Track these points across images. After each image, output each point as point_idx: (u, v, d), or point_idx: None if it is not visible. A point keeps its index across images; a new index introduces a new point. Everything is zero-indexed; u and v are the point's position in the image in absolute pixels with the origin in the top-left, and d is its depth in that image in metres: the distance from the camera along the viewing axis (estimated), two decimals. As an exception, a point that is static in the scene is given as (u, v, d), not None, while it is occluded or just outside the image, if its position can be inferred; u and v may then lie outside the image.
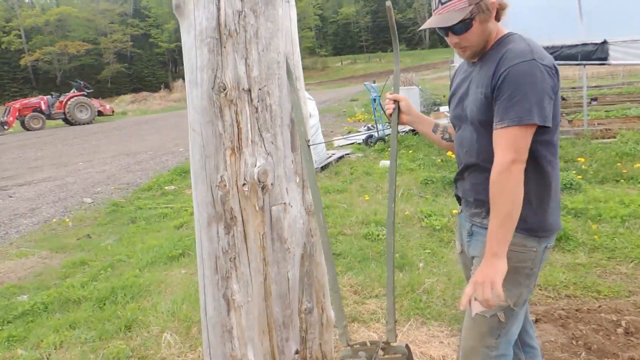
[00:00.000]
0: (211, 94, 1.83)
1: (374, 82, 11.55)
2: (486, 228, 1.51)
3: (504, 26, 1.62)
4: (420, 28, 1.69)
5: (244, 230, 1.92)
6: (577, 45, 7.81)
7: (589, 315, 2.86)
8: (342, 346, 1.66)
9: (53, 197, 7.93)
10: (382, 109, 2.01)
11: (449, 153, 7.26)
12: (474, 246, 1.70)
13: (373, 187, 6.44)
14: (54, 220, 6.45)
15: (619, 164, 6.05)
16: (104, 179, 9.12)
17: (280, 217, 1.97)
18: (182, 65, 1.96)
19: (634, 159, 6.20)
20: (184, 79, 1.99)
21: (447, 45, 1.65)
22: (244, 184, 1.87)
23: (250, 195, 1.89)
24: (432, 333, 2.78)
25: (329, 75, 57.32)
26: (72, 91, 25.34)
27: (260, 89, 1.87)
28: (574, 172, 5.75)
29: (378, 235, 4.41)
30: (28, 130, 23.21)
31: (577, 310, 2.94)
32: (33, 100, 24.84)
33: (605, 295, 3.10)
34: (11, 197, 8.18)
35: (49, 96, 25.03)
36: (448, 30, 1.56)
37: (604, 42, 7.61)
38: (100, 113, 25.96)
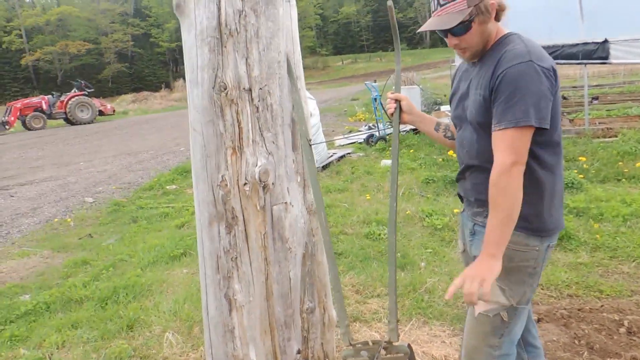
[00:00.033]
0: (212, 94, 1.83)
1: (375, 81, 11.55)
2: None
3: (505, 26, 1.61)
4: (419, 30, 1.69)
5: (245, 230, 1.92)
6: (578, 45, 7.80)
7: (591, 314, 2.86)
8: (344, 345, 1.66)
9: (54, 196, 7.94)
10: (383, 108, 2.01)
11: (450, 152, 7.26)
12: (477, 245, 1.70)
13: (374, 186, 6.43)
14: (56, 219, 6.46)
15: (620, 163, 6.04)
16: (105, 179, 9.12)
17: (282, 217, 1.97)
18: (183, 64, 1.95)
19: (636, 158, 6.20)
20: (184, 78, 1.99)
21: (447, 45, 1.65)
22: (245, 184, 1.87)
23: (251, 194, 1.89)
24: (434, 333, 2.78)
25: (330, 75, 57.31)
26: (73, 91, 25.36)
27: (261, 89, 1.87)
28: (576, 171, 5.74)
29: (379, 235, 4.41)
30: (29, 129, 23.24)
31: (579, 309, 2.93)
32: (34, 100, 24.88)
33: (608, 295, 3.10)
34: (13, 196, 8.19)
35: (50, 96, 25.06)
36: (447, 32, 1.55)
37: (605, 41, 7.60)
38: (101, 113, 25.98)
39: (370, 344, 1.60)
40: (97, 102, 26.18)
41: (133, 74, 59.76)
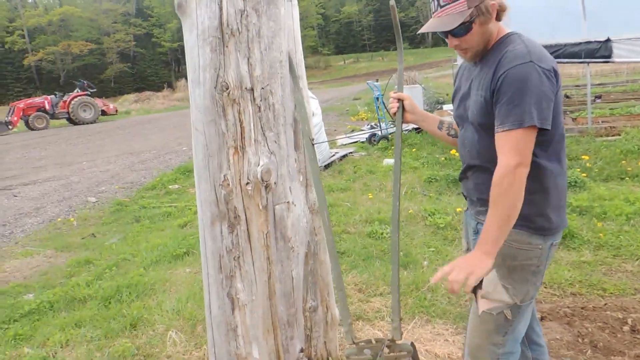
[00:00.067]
0: (214, 93, 1.84)
1: (377, 80, 11.53)
2: None
3: (507, 25, 1.61)
4: (419, 31, 1.69)
5: (248, 229, 1.92)
6: (580, 44, 7.78)
7: (595, 313, 2.85)
8: (347, 344, 1.66)
9: (57, 196, 7.96)
10: (385, 107, 2.01)
11: (453, 151, 7.25)
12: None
13: (376, 185, 6.43)
14: (59, 219, 6.47)
15: (623, 161, 6.02)
16: (108, 178, 9.14)
17: (284, 216, 1.97)
18: (185, 64, 1.96)
19: (639, 156, 6.18)
20: (187, 78, 1.99)
21: (448, 45, 1.64)
22: (247, 183, 1.88)
23: (253, 194, 1.89)
24: (437, 331, 2.77)
25: (332, 74, 57.28)
26: (75, 91, 25.41)
27: (262, 88, 1.87)
28: (579, 170, 5.73)
29: (382, 234, 4.41)
30: (32, 129, 23.30)
31: (582, 308, 2.93)
32: (37, 100, 24.92)
33: (611, 293, 3.09)
34: (16, 196, 8.22)
35: (52, 96, 25.11)
36: (448, 33, 1.55)
37: (608, 40, 7.58)
38: (103, 112, 26.03)
39: (374, 342, 1.60)
40: (99, 102, 26.24)
41: (135, 74, 59.85)
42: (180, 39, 1.98)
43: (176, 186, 7.75)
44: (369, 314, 3.01)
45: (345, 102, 21.82)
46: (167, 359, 2.72)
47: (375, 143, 9.23)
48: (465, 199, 1.84)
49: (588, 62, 8.19)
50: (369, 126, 11.47)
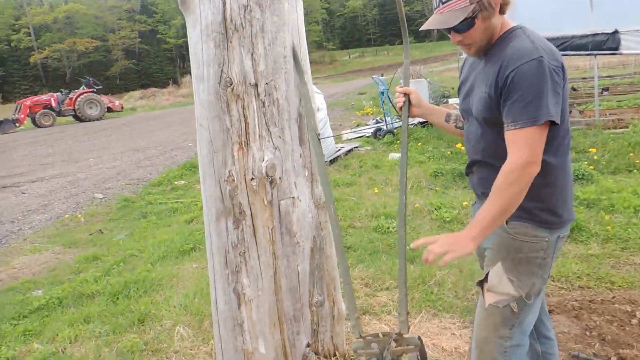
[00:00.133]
0: (218, 89, 1.83)
1: (382, 75, 11.50)
2: None
3: (514, 17, 1.59)
4: (421, 28, 1.67)
5: (253, 225, 1.92)
6: (587, 35, 7.70)
7: (603, 306, 2.84)
8: (354, 338, 1.67)
9: (65, 193, 8.01)
10: (391, 102, 2.00)
11: (459, 145, 7.22)
12: (487, 237, 1.69)
13: (382, 179, 6.42)
14: (66, 215, 6.52)
15: (631, 154, 5.97)
16: (114, 175, 9.18)
17: (289, 211, 1.97)
18: (190, 60, 1.95)
19: (647, 148, 6.13)
20: (191, 74, 1.99)
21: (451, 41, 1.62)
22: (252, 179, 1.87)
23: (258, 189, 1.89)
24: (444, 325, 2.77)
25: (337, 69, 57.14)
26: (81, 88, 25.51)
27: (267, 83, 1.86)
28: (586, 162, 5.69)
29: (388, 228, 4.40)
30: (39, 127, 23.44)
31: (590, 301, 2.91)
32: (43, 97, 25.04)
33: (619, 286, 3.07)
34: (24, 193, 8.28)
35: (58, 93, 25.23)
36: (450, 29, 1.53)
37: (615, 32, 7.50)
38: (109, 109, 26.11)
39: (381, 336, 1.60)
40: (105, 99, 26.33)
41: (140, 71, 60.02)
42: (185, 35, 1.98)
43: (182, 182, 7.77)
44: (376, 308, 3.01)
45: (350, 96, 21.76)
46: (174, 354, 2.73)
47: (380, 137, 9.20)
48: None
49: (595, 54, 8.11)
50: (374, 121, 11.43)
